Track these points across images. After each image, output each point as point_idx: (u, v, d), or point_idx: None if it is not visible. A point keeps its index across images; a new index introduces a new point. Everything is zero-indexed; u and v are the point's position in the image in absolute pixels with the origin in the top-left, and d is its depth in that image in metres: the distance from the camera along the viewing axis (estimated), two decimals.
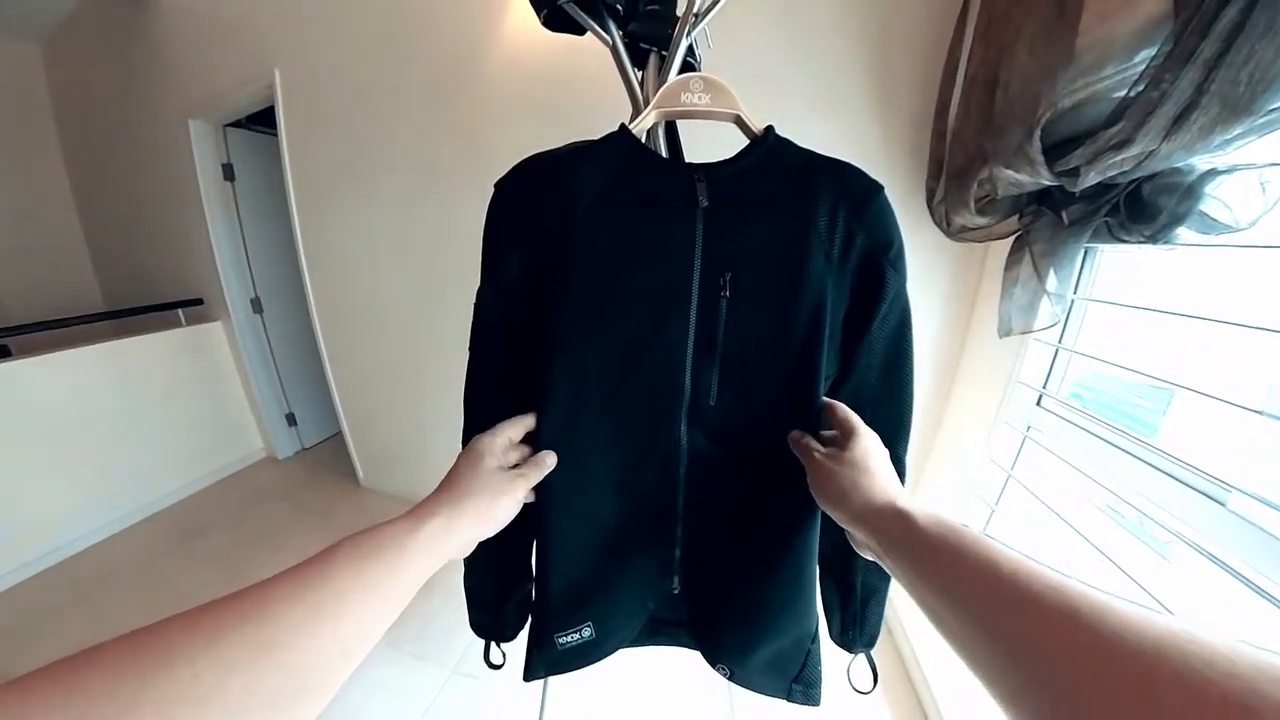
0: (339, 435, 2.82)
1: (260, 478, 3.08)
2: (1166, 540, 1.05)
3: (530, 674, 0.78)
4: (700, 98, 0.71)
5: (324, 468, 3.14)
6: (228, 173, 2.72)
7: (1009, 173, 1.00)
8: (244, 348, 2.96)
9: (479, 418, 0.74)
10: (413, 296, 2.27)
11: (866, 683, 0.82)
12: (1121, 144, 0.81)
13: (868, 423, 0.68)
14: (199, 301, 2.94)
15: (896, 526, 0.49)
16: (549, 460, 0.66)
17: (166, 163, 2.72)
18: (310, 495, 2.85)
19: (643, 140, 0.72)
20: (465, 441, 0.74)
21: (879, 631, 0.82)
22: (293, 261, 2.46)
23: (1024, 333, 1.15)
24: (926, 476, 1.66)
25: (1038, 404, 1.28)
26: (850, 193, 0.67)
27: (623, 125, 0.70)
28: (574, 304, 0.65)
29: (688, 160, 0.80)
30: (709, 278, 0.65)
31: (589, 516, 0.73)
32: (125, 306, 2.82)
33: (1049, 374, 1.26)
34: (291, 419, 3.25)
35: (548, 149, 0.71)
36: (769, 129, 0.70)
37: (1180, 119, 0.74)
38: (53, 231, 3.29)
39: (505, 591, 0.81)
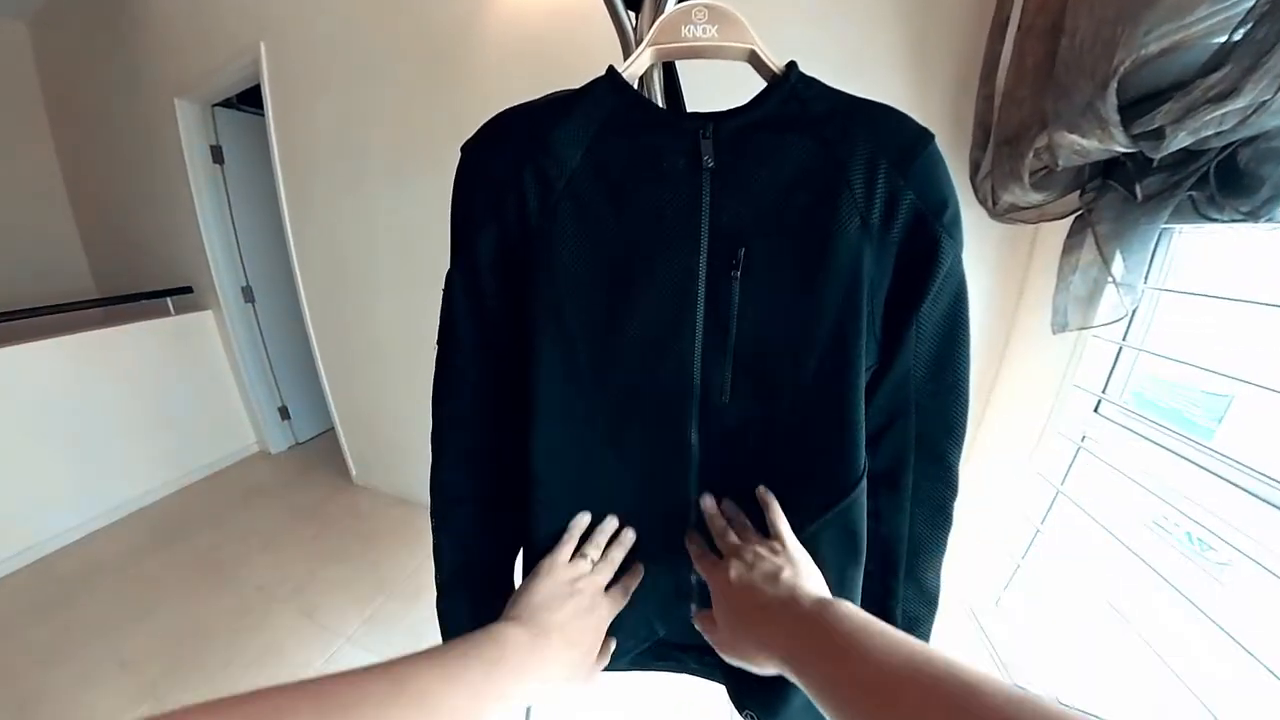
0: (334, 430, 2.73)
1: (252, 473, 3.00)
2: (1230, 561, 0.92)
3: None
4: (705, 30, 0.58)
5: (317, 464, 3.05)
6: (217, 155, 2.62)
7: (1073, 138, 0.85)
8: (235, 338, 2.86)
9: (449, 424, 0.66)
10: (408, 285, 2.15)
11: None
12: (1223, 95, 0.66)
13: (913, 424, 0.63)
14: (188, 289, 2.85)
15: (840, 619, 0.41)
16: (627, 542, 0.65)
17: (154, 143, 2.63)
18: (302, 493, 2.77)
19: (635, 87, 0.60)
20: (435, 449, 0.66)
21: None
22: (285, 249, 2.37)
23: (1082, 328, 0.99)
24: (960, 491, 1.51)
25: (1095, 410, 1.12)
26: (892, 142, 0.55)
27: (611, 68, 0.58)
28: (559, 291, 0.56)
29: (690, 111, 0.67)
30: (718, 254, 0.55)
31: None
32: (116, 293, 2.74)
33: (1109, 376, 1.10)
34: (284, 412, 3.16)
35: (523, 101, 0.59)
36: (791, 66, 0.57)
37: None
38: (42, 214, 3.21)
39: (482, 613, 0.70)
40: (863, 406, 0.58)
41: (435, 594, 0.73)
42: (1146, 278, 1.01)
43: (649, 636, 0.73)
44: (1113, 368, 1.09)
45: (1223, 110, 0.67)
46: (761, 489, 0.60)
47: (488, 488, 0.67)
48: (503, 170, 0.55)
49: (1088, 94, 0.80)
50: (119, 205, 3.05)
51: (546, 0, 1.52)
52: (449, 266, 0.60)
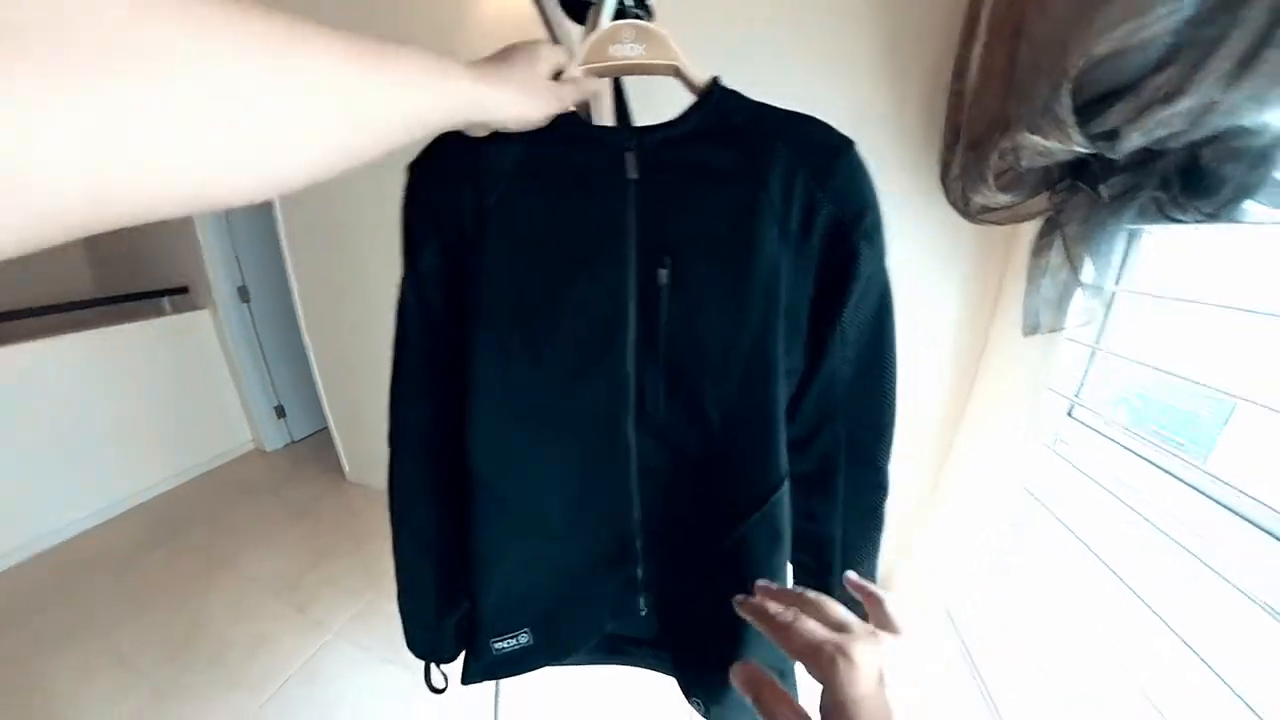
0: (328, 429, 2.75)
1: (247, 470, 3.02)
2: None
3: (467, 677, 0.75)
4: (632, 49, 0.60)
5: (312, 461, 3.07)
6: None
7: (1035, 139, 0.84)
8: (231, 337, 2.88)
9: (405, 424, 0.68)
10: (399, 285, 2.14)
11: None
12: (1172, 95, 0.65)
13: (842, 428, 0.64)
14: (184, 290, 2.87)
15: None
16: (592, 86, 0.59)
17: None
18: (296, 489, 2.79)
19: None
20: (392, 448, 0.69)
21: None
22: (279, 249, 2.38)
23: (1053, 331, 0.98)
24: (940, 493, 1.50)
25: (1069, 414, 1.11)
26: (810, 151, 0.56)
27: None
28: (494, 300, 0.59)
29: (617, 126, 0.70)
30: (646, 264, 0.57)
31: (528, 523, 0.67)
32: (114, 293, 2.76)
33: (1083, 379, 1.09)
34: (280, 411, 3.18)
35: None
36: (713, 81, 0.59)
37: (1250, 60, 0.57)
38: None
39: (443, 610, 0.76)
40: (783, 411, 0.60)
41: (397, 593, 0.75)
42: (1118, 279, 1.00)
43: (597, 630, 0.76)
44: (1086, 371, 1.08)
45: (1172, 110, 0.66)
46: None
47: (444, 486, 0.69)
48: (442, 187, 0.59)
49: (1045, 94, 0.79)
50: None
51: (530, 13, 1.51)
52: (401, 278, 0.63)
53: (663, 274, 0.56)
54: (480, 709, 1.51)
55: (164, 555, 2.29)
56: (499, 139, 0.55)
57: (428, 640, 0.78)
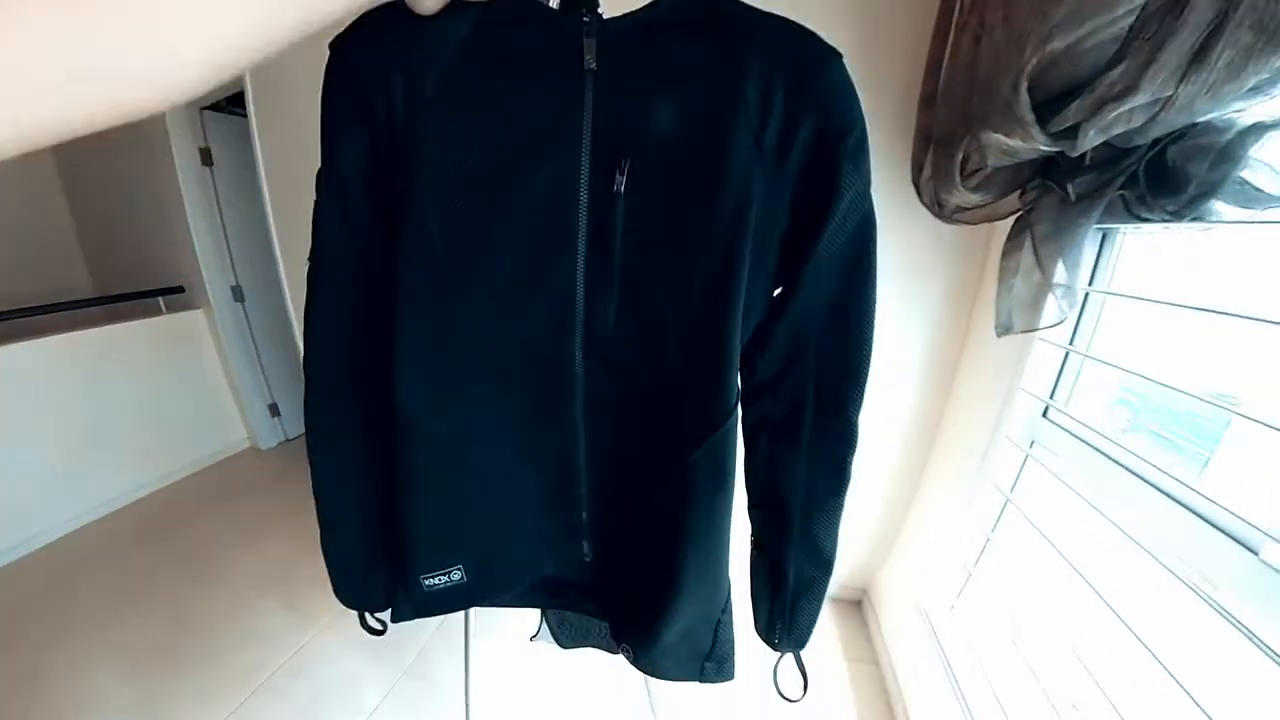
0: None
1: (241, 469, 3.03)
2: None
3: (397, 615, 0.71)
4: None
5: (306, 460, 3.01)
6: (205, 158, 2.64)
7: (998, 137, 0.82)
8: (226, 337, 2.89)
9: (323, 347, 0.61)
10: None
11: (796, 689, 0.73)
12: (1126, 91, 0.63)
13: (812, 370, 0.59)
14: (180, 289, 2.87)
15: None
16: None
17: (146, 146, 2.65)
18: (288, 488, 2.79)
19: None
20: (308, 374, 0.62)
21: (810, 632, 0.71)
22: (272, 249, 2.37)
23: (1026, 331, 0.97)
24: (921, 496, 1.48)
25: (1044, 416, 1.09)
26: (793, 58, 0.50)
27: None
28: (424, 202, 0.52)
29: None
30: (601, 167, 0.51)
31: (462, 461, 0.62)
32: (110, 293, 2.78)
33: (1057, 381, 1.07)
34: (274, 409, 3.18)
35: None
36: None
37: (1200, 54, 0.56)
38: (41, 215, 3.23)
39: (371, 553, 0.71)
40: (738, 336, 0.55)
41: (319, 535, 0.70)
42: (1092, 280, 0.99)
43: (535, 571, 0.73)
44: (1059, 372, 1.06)
45: (1128, 106, 0.65)
46: None
47: (369, 417, 0.62)
48: (370, 70, 0.50)
49: (1005, 92, 0.78)
50: (113, 206, 3.07)
51: None
52: (318, 177, 0.56)
53: (620, 179, 0.51)
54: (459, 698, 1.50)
55: (158, 552, 2.30)
56: (443, 14, 0.46)
57: (356, 587, 0.72)
